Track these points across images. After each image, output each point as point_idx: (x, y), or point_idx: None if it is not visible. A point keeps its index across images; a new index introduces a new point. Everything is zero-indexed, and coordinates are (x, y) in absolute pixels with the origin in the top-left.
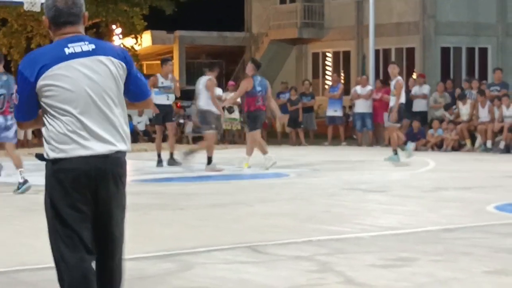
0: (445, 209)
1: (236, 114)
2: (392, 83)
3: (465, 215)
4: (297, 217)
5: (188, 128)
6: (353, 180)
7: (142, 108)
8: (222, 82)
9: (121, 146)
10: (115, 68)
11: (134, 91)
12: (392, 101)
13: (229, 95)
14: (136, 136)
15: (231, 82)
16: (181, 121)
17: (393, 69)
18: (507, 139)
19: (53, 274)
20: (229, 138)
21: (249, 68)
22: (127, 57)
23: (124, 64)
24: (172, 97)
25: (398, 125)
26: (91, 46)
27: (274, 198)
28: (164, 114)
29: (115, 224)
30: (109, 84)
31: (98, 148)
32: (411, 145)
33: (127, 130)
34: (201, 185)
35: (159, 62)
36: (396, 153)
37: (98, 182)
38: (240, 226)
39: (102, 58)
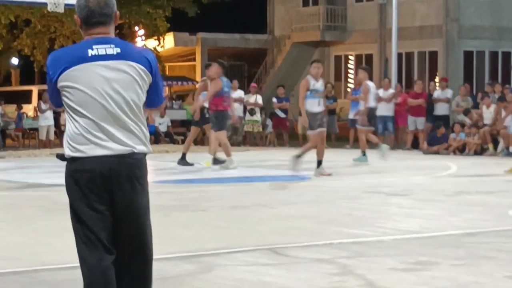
0: (467, 213)
1: (257, 116)
2: (361, 87)
3: (487, 219)
4: (318, 219)
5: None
6: (375, 183)
7: (153, 113)
8: (244, 85)
9: (139, 148)
10: (138, 74)
11: (153, 98)
12: (362, 105)
13: (252, 98)
14: (157, 137)
15: (253, 84)
16: None
17: (360, 73)
18: None
19: (73, 274)
20: (250, 140)
21: (216, 69)
22: (153, 63)
23: (149, 72)
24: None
25: (370, 128)
26: (117, 50)
27: (295, 201)
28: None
29: (137, 224)
30: (129, 90)
31: (115, 147)
32: (385, 146)
33: (146, 133)
34: (222, 186)
35: (181, 63)
36: (364, 154)
37: (113, 183)
38: (261, 228)
39: (126, 63)
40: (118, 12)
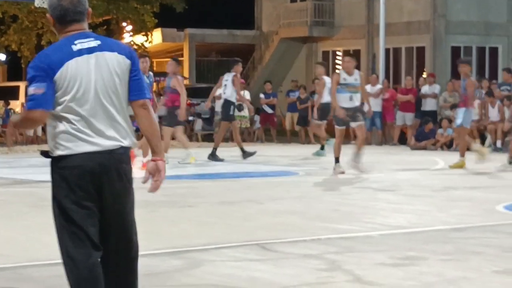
0: (454, 209)
1: (245, 112)
2: (318, 82)
3: (475, 215)
4: (306, 215)
5: (198, 126)
6: (363, 178)
7: (140, 115)
8: None
9: (126, 142)
10: (119, 64)
11: (133, 88)
12: (317, 100)
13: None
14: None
15: (240, 80)
16: (191, 118)
17: (317, 68)
18: None
19: (62, 270)
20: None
21: (174, 66)
22: (133, 53)
23: (128, 60)
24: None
25: (322, 122)
26: (97, 42)
27: (283, 196)
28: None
29: (124, 220)
30: (114, 80)
31: (102, 143)
32: (332, 141)
33: (131, 126)
34: (210, 182)
35: (169, 59)
36: (323, 148)
37: (103, 178)
38: (249, 223)
39: (108, 54)
40: (90, 9)
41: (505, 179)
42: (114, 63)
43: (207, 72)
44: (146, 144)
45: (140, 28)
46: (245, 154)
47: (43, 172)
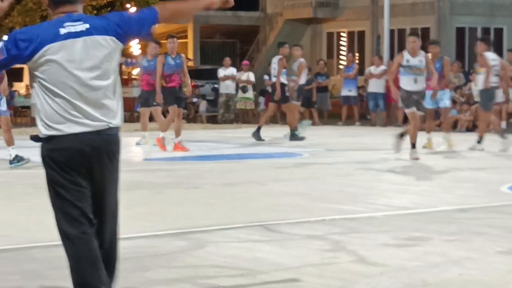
0: (459, 190)
1: (250, 94)
2: (296, 64)
3: (479, 196)
4: (310, 196)
5: (202, 107)
6: (367, 160)
7: (171, 19)
8: (236, 62)
9: (114, 122)
10: (108, 45)
11: (138, 27)
12: (295, 81)
13: (244, 75)
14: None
15: (245, 62)
16: (195, 100)
17: (295, 50)
18: None
19: (63, 250)
20: (243, 117)
21: (156, 47)
22: (116, 21)
23: (115, 38)
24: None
25: (298, 103)
26: (85, 26)
27: (287, 178)
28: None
29: (110, 199)
30: (102, 63)
31: (91, 124)
32: (307, 122)
33: (120, 107)
34: (215, 163)
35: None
36: (296, 129)
37: (92, 159)
38: (253, 205)
39: (96, 37)
40: None
41: (510, 160)
42: (104, 46)
43: (211, 53)
44: (178, 124)
45: None
46: (293, 137)
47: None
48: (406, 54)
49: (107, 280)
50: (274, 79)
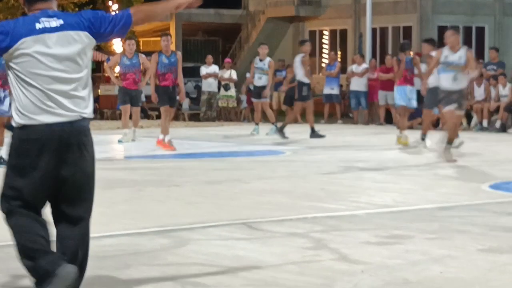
0: (440, 188)
1: (232, 92)
2: (265, 62)
3: (461, 194)
4: (292, 194)
5: (184, 105)
6: (349, 158)
7: (145, 21)
8: (218, 60)
9: (87, 113)
10: (81, 40)
11: (112, 27)
12: (264, 80)
13: (226, 73)
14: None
15: (227, 60)
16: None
17: (264, 49)
18: (503, 118)
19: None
20: (225, 115)
21: (133, 44)
22: (89, 17)
23: (88, 34)
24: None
25: (267, 100)
26: (60, 22)
27: (269, 176)
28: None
29: (84, 190)
30: (75, 57)
31: (64, 114)
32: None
33: (91, 99)
34: (197, 161)
35: (156, 38)
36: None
37: (63, 150)
38: (235, 203)
39: (70, 33)
40: None
41: (491, 158)
42: (77, 41)
43: (194, 51)
44: (164, 123)
45: (126, 7)
46: (314, 134)
47: None
48: (445, 50)
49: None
50: (301, 78)
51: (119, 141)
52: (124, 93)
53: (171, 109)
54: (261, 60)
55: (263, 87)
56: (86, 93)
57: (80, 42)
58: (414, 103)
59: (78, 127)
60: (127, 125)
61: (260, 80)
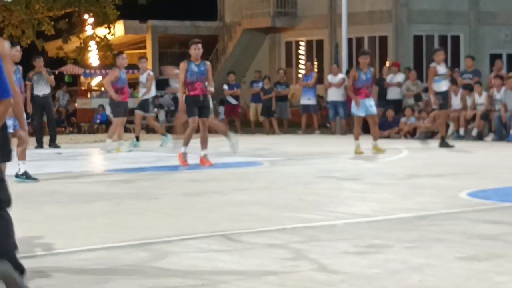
0: (418, 196)
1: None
2: (144, 76)
3: (438, 202)
4: (271, 205)
5: (161, 117)
6: (327, 168)
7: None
8: None
9: None
10: None
11: None
12: (142, 93)
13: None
14: (110, 126)
15: None
16: (154, 110)
17: (143, 63)
18: (480, 126)
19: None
20: None
21: (125, 58)
22: None
23: None
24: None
25: (152, 115)
26: None
27: (248, 187)
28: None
29: None
30: None
31: None
32: (168, 138)
33: None
34: (175, 174)
35: (132, 51)
36: (166, 136)
37: None
38: (214, 214)
39: None
40: None
41: (469, 166)
42: None
43: (171, 64)
44: (204, 135)
45: (103, 20)
46: (443, 143)
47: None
48: (437, 66)
49: None
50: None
51: (134, 145)
52: (123, 106)
53: (203, 119)
54: (142, 74)
55: (147, 100)
56: None
57: None
58: (374, 110)
59: None
60: (122, 136)
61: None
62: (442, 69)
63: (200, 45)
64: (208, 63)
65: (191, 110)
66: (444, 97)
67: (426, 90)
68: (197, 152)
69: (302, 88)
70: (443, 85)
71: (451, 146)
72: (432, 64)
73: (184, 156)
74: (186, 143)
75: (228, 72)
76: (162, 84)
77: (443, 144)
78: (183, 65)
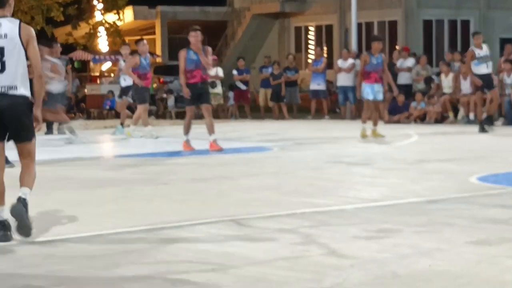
0: (428, 181)
1: (219, 89)
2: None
3: (448, 187)
4: (280, 190)
5: (171, 103)
6: (336, 153)
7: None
8: None
9: None
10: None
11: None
12: (128, 81)
13: (212, 70)
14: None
15: (213, 57)
16: (164, 95)
17: (126, 50)
18: (490, 111)
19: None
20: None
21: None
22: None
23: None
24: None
25: (130, 100)
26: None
27: (257, 172)
28: None
29: None
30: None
31: None
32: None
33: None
34: (184, 159)
35: (141, 37)
36: (122, 126)
37: None
38: (223, 200)
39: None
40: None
41: (478, 151)
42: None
43: (179, 49)
44: (209, 122)
45: (112, 6)
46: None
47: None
48: (475, 49)
49: None
50: None
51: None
52: (146, 92)
53: (207, 106)
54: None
55: (128, 87)
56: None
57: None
58: (381, 96)
59: None
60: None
61: (124, 81)
62: (481, 52)
63: (199, 32)
64: (208, 49)
65: (188, 99)
66: (484, 79)
67: (438, 74)
68: (206, 137)
69: (311, 73)
70: (482, 68)
71: (487, 131)
72: (471, 48)
73: (187, 143)
74: (186, 132)
75: (238, 58)
76: (171, 69)
77: (487, 122)
78: (182, 53)
